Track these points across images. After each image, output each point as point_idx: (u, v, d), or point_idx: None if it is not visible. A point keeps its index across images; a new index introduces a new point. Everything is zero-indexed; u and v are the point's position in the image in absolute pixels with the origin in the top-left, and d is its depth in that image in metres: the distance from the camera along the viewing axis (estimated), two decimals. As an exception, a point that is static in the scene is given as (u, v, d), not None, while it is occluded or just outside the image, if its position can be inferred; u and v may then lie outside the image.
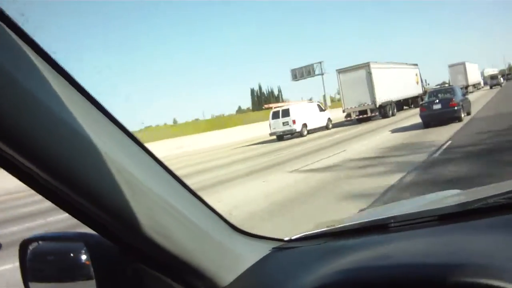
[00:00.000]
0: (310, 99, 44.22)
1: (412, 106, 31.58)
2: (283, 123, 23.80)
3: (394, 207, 1.78)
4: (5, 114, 0.62)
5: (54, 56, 0.70)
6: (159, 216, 0.83)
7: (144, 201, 0.80)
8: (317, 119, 25.88)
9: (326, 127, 26.38)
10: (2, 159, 0.70)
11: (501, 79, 54.73)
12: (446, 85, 38.45)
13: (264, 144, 22.89)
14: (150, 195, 0.81)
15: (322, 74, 44.57)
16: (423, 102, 18.16)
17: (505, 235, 0.88)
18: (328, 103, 41.57)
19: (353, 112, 27.61)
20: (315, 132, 24.98)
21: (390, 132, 17.48)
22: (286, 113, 23.92)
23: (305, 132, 24.31)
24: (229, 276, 0.96)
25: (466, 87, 44.26)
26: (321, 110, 27.00)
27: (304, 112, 24.81)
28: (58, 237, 1.21)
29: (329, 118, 26.99)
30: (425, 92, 27.04)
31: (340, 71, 28.63)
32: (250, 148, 21.85)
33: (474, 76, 53.97)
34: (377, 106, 26.79)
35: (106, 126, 0.77)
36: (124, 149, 0.80)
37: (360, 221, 1.18)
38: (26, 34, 0.65)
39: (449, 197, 1.53)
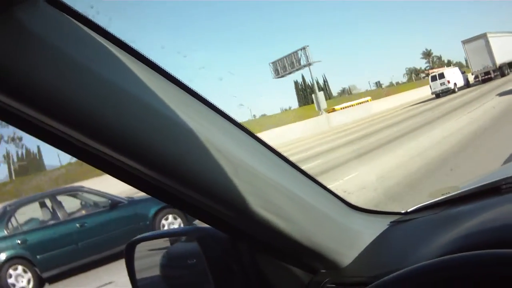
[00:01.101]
0: (454, 64, 48.55)
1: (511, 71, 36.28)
2: (441, 83, 32.75)
3: (507, 169, 1.78)
4: (104, 115, 0.62)
5: (134, 46, 0.67)
6: (274, 199, 0.82)
7: (257, 186, 0.80)
8: (461, 80, 34.43)
9: (467, 86, 34.56)
10: (110, 164, 0.73)
11: None
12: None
13: (427, 102, 30.29)
14: (262, 179, 0.81)
15: (309, 65, 36.23)
16: None
17: None
18: (324, 104, 36.90)
19: (479, 74, 35.09)
20: (461, 89, 32.81)
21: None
22: (441, 76, 33.04)
23: (456, 89, 32.39)
24: (350, 255, 0.95)
25: None
26: (462, 72, 35.33)
27: (452, 74, 33.60)
28: (166, 234, 1.26)
29: (467, 79, 35.29)
30: None
31: (464, 42, 36.09)
32: (421, 105, 29.55)
33: None
34: (497, 66, 34.09)
35: (206, 114, 0.76)
36: (231, 136, 0.79)
37: (472, 187, 1.17)
38: (100, 27, 0.64)
39: None
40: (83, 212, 8.10)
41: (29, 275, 7.15)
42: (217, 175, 0.75)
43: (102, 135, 0.64)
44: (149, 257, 1.16)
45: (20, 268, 7.12)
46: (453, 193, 1.16)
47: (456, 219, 0.98)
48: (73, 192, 8.50)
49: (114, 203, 7.95)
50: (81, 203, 8.46)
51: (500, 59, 34.21)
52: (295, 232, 0.85)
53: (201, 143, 0.72)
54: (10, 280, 6.97)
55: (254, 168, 0.80)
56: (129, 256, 1.09)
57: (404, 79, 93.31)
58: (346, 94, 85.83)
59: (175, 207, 1.60)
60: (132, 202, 8.16)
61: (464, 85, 34.54)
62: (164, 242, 1.18)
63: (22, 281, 7.07)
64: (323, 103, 37.00)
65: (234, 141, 0.79)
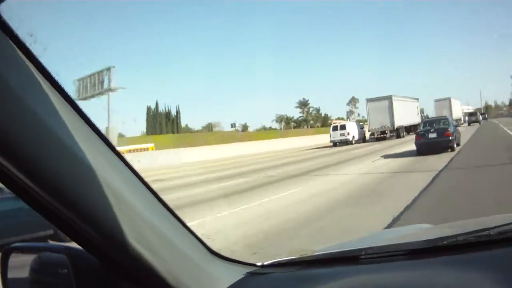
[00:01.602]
0: (355, 119, 51.14)
1: (413, 132, 39.98)
2: (340, 134, 34.24)
3: (367, 239, 1.80)
4: (7, 129, 0.66)
5: (56, 77, 0.74)
6: (142, 234, 0.86)
7: (129, 218, 0.83)
8: (357, 134, 35.71)
9: (363, 140, 36.01)
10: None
11: (480, 116, 57.62)
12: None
13: (327, 148, 32.21)
14: (135, 212, 0.85)
15: (110, 90, 28.44)
16: (419, 130, 18.51)
17: (471, 273, 0.92)
18: (114, 141, 24.87)
19: (376, 131, 36.45)
20: (357, 143, 34.51)
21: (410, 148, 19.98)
22: (343, 127, 35.37)
23: (353, 142, 35.01)
24: None
25: None
26: (361, 128, 36.80)
27: (352, 128, 35.23)
28: (40, 248, 1.23)
29: (364, 134, 36.83)
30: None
31: (368, 100, 37.66)
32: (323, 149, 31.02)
33: (457, 111, 56.63)
34: (395, 128, 35.62)
35: (96, 143, 0.81)
36: (112, 167, 0.83)
37: (331, 251, 1.21)
38: (32, 54, 0.70)
39: (419, 232, 1.62)
40: None
41: None
42: (100, 203, 0.78)
43: (14, 155, 0.68)
44: (23, 267, 1.12)
45: None
46: (310, 255, 1.18)
47: (310, 280, 1.01)
48: None
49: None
50: None
51: (398, 122, 36.28)
52: (156, 266, 0.88)
53: (91, 174, 0.76)
54: None
55: (131, 202, 0.83)
56: (3, 264, 1.12)
57: (273, 125, 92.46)
58: (207, 130, 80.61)
59: (53, 224, 0.78)
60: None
61: (360, 139, 36.09)
62: (38, 255, 1.14)
63: None
64: (113, 138, 26.61)
65: (118, 174, 0.83)
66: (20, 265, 1.13)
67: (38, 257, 1.14)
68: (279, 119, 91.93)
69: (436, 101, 54.09)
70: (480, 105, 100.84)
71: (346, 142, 33.99)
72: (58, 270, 1.03)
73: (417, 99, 45.21)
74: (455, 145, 17.00)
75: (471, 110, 72.56)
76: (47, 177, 0.72)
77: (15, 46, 0.66)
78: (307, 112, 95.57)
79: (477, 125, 47.46)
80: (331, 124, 41.84)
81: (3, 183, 0.77)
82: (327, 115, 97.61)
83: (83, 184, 0.76)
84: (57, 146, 0.71)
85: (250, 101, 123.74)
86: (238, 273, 1.11)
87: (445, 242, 1.06)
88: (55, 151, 0.71)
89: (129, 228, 0.83)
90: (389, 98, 36.62)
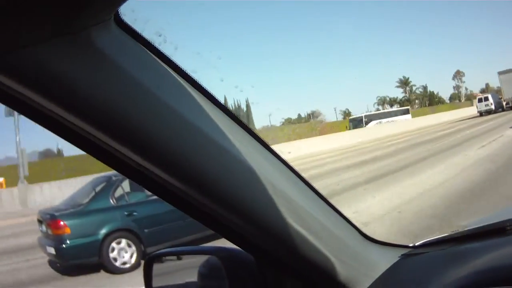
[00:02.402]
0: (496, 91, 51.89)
1: None
2: (485, 104, 41.03)
3: (509, 210, 1.82)
4: (149, 132, 0.65)
5: (193, 75, 0.71)
6: (299, 224, 0.85)
7: (285, 209, 0.83)
8: (499, 104, 41.64)
9: (502, 109, 41.40)
10: (146, 178, 0.75)
11: None
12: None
13: (475, 118, 37.32)
14: (290, 203, 0.85)
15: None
16: None
17: None
18: None
19: (510, 101, 41.85)
20: (496, 112, 40.19)
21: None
22: (487, 99, 41.44)
23: (498, 110, 40.64)
24: (364, 283, 0.99)
25: None
26: (499, 98, 42.60)
27: (493, 98, 41.32)
28: (186, 251, 1.25)
29: (502, 104, 42.34)
30: None
31: (500, 73, 43.25)
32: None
33: None
34: None
35: (242, 135, 0.81)
36: (264, 159, 0.83)
37: (479, 226, 1.22)
38: (163, 54, 0.68)
39: None
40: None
41: (133, 249, 6.65)
42: (255, 198, 0.79)
43: (156, 155, 0.68)
44: (168, 273, 1.17)
45: (124, 241, 6.62)
46: (460, 231, 1.22)
47: (464, 256, 1.02)
48: None
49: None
50: None
51: None
52: (313, 256, 0.89)
53: (245, 167, 0.76)
54: (112, 254, 6.51)
55: (287, 193, 0.84)
56: (147, 270, 1.10)
57: (373, 109, 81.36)
58: (304, 121, 74.73)
59: (205, 224, 0.85)
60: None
61: (499, 108, 41.56)
62: (184, 259, 1.20)
63: (124, 256, 6.58)
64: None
65: (270, 166, 0.84)
66: (165, 272, 1.16)
67: (186, 261, 1.18)
68: (381, 101, 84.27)
69: (500, 73, 45.03)
70: None
71: (489, 112, 39.66)
72: (210, 272, 1.06)
73: None
74: None
75: None
76: (196, 175, 0.71)
77: (143, 48, 0.66)
78: (410, 91, 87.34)
79: None
80: (476, 96, 50.61)
81: (151, 190, 0.79)
82: (433, 92, 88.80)
83: (234, 178, 0.76)
84: (202, 142, 0.70)
85: (346, 87, 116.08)
86: (393, 256, 1.12)
87: None
88: (201, 147, 0.70)
89: (285, 220, 0.83)
90: None
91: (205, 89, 0.74)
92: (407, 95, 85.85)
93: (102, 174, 8.03)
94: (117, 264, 6.52)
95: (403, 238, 5.19)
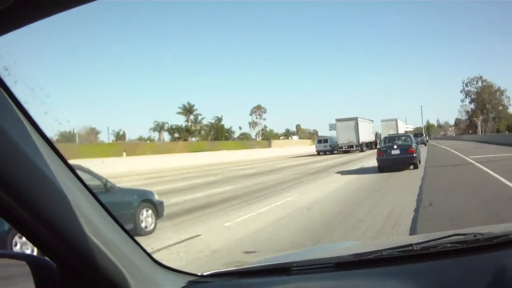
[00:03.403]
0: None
1: (366, 148, 48.58)
2: (324, 146, 46.85)
3: (298, 253, 1.97)
4: None
5: (25, 105, 0.86)
6: (94, 238, 0.95)
7: (83, 225, 0.93)
8: (335, 147, 47.61)
9: (332, 152, 47.19)
10: None
11: (426, 137, 56.35)
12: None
13: (312, 157, 40.84)
14: (87, 221, 0.95)
15: None
16: (381, 146, 17.98)
17: (394, 283, 1.03)
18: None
19: (344, 145, 46.68)
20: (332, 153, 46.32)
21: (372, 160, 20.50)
22: (326, 140, 48.11)
23: (335, 151, 46.94)
24: None
25: None
26: (335, 142, 47.15)
27: (331, 141, 48.22)
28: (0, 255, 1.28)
29: (335, 147, 47.70)
30: (376, 140, 47.46)
31: (338, 120, 48.15)
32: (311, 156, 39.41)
33: (401, 132, 55.55)
34: (359, 144, 45.65)
35: (49, 153, 0.91)
36: (66, 178, 0.93)
37: (265, 264, 1.32)
38: (6, 86, 0.81)
39: (347, 248, 1.75)
40: None
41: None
42: (60, 213, 0.90)
43: None
44: None
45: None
46: (246, 266, 1.34)
47: None
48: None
49: (108, 187, 7.73)
50: None
51: (362, 138, 47.21)
52: (110, 270, 1.00)
53: (55, 187, 0.88)
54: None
55: (87, 214, 0.95)
56: None
57: (152, 134, 74.90)
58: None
59: (16, 229, 0.98)
60: (121, 189, 8.21)
61: (335, 150, 46.87)
62: None
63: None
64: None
65: (77, 190, 0.96)
66: None
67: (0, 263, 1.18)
68: (158, 126, 74.74)
69: (382, 121, 57.36)
70: (421, 123, 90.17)
71: (325, 152, 45.78)
72: (18, 276, 1.07)
73: (372, 120, 56.65)
74: (418, 162, 16.73)
75: (410, 129, 73.73)
76: (13, 186, 0.82)
77: None
78: (195, 120, 78.19)
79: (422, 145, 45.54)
80: (316, 138, 56.17)
81: None
82: (222, 125, 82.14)
83: (42, 194, 0.87)
84: (25, 161, 0.82)
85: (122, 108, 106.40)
86: (180, 281, 1.20)
87: (370, 256, 1.17)
88: (22, 165, 0.82)
89: (84, 234, 0.93)
90: (355, 119, 47.50)
91: (31, 117, 0.88)
92: (190, 124, 77.28)
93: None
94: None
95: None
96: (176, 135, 74.50)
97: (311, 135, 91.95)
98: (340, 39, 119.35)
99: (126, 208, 7.67)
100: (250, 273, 1.25)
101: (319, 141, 48.65)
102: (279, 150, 56.03)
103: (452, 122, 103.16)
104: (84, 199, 0.96)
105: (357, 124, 46.84)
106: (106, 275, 0.98)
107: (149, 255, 1.15)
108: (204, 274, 1.26)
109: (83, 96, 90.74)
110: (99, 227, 0.97)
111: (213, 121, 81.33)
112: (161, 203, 8.30)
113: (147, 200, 8.05)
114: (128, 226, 7.28)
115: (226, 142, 70.32)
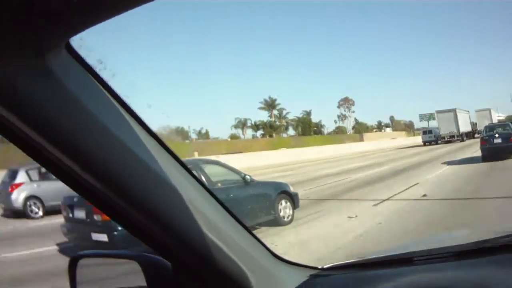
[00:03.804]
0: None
1: (466, 138, 49.15)
2: (429, 136, 48.52)
3: (414, 243, 1.92)
4: (92, 152, 0.74)
5: (126, 99, 0.80)
6: (213, 236, 0.93)
7: (201, 223, 0.91)
8: (438, 137, 48.63)
9: (436, 142, 47.37)
10: (80, 186, 0.81)
11: None
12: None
13: (420, 147, 41.86)
14: (206, 219, 0.93)
15: None
16: (483, 135, 18.21)
17: None
18: None
19: (446, 136, 47.07)
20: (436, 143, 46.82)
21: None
22: (430, 131, 49.45)
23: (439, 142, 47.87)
24: None
25: None
26: (438, 133, 49.01)
27: (434, 132, 49.12)
28: (110, 255, 1.26)
29: (438, 137, 48.64)
30: (473, 130, 50.05)
31: (438, 112, 48.99)
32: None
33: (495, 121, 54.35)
34: (460, 133, 46.58)
35: (161, 151, 0.88)
36: (186, 181, 0.92)
37: (387, 254, 1.27)
38: (103, 80, 0.77)
39: (465, 236, 1.70)
40: (219, 184, 7.94)
41: None
42: (177, 212, 0.88)
43: (94, 168, 0.76)
44: (91, 273, 1.19)
45: None
46: (366, 258, 1.29)
47: (370, 281, 1.09)
48: (212, 164, 8.62)
49: (247, 180, 8.06)
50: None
51: (462, 128, 48.48)
52: (232, 267, 0.98)
53: (168, 185, 0.85)
54: None
55: (204, 211, 0.93)
56: (71, 269, 1.14)
57: (235, 132, 70.58)
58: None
59: (126, 229, 0.94)
60: (259, 182, 8.62)
61: (438, 141, 48.04)
62: (108, 262, 1.22)
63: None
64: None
65: (192, 187, 0.93)
66: (89, 272, 1.17)
67: (109, 264, 1.20)
68: (240, 124, 70.53)
69: (477, 111, 57.56)
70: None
71: (431, 142, 46.68)
72: (130, 277, 1.07)
73: (468, 111, 55.91)
74: None
75: (502, 118, 67.85)
76: (126, 189, 0.80)
77: (87, 73, 0.74)
78: (279, 115, 73.76)
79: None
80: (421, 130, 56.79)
81: (87, 198, 0.85)
82: (309, 119, 76.33)
83: (159, 194, 0.85)
84: (131, 160, 0.79)
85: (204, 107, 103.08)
86: (302, 275, 1.18)
87: (491, 244, 1.15)
88: (129, 164, 0.79)
89: (203, 232, 0.91)
90: (453, 110, 48.54)
91: (135, 112, 0.83)
92: (274, 120, 72.93)
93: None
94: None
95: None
96: (261, 131, 71.16)
97: (406, 126, 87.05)
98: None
99: (266, 200, 8.14)
100: (371, 265, 1.24)
101: (424, 132, 50.51)
102: (374, 143, 54.72)
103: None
104: (199, 195, 0.95)
105: (456, 115, 47.79)
106: (225, 272, 0.97)
107: (269, 250, 1.14)
108: (325, 267, 1.26)
109: (168, 94, 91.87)
110: (217, 223, 0.96)
111: (301, 115, 76.08)
112: (296, 194, 8.93)
113: (284, 191, 8.60)
114: (269, 217, 8.11)
115: (314, 137, 66.91)
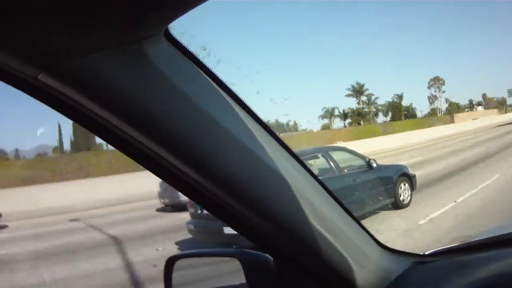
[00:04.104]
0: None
1: None
2: None
3: None
4: (190, 140, 0.71)
5: (232, 87, 0.77)
6: (319, 226, 0.91)
7: (306, 213, 0.88)
8: None
9: None
10: (180, 181, 0.80)
11: None
12: None
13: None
14: (311, 208, 0.90)
15: None
16: None
17: None
18: None
19: None
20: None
21: None
22: None
23: None
24: (377, 287, 1.03)
25: None
26: None
27: None
28: (207, 254, 1.25)
29: None
30: None
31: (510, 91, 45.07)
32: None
33: None
34: None
35: (271, 143, 0.85)
36: (290, 166, 0.88)
37: (488, 236, 1.26)
38: (206, 67, 0.74)
39: None
40: (345, 170, 8.09)
41: None
42: (282, 203, 0.85)
43: (195, 161, 0.74)
44: (188, 274, 1.18)
45: None
46: (468, 241, 1.28)
47: (471, 265, 1.06)
48: (339, 150, 8.79)
49: (371, 164, 8.18)
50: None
51: None
52: (338, 259, 0.95)
53: (274, 174, 0.82)
54: None
55: (310, 199, 0.89)
56: (167, 271, 1.12)
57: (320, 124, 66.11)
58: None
59: (226, 222, 0.92)
60: (381, 165, 8.66)
61: None
62: (205, 261, 1.21)
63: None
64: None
65: (298, 175, 0.90)
66: (186, 273, 1.16)
67: (209, 263, 1.19)
68: (328, 113, 65.54)
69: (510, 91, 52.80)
70: None
71: None
72: (229, 275, 1.08)
73: None
74: None
75: None
76: (231, 181, 0.78)
77: (189, 61, 0.72)
78: (368, 101, 67.82)
79: None
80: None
81: (184, 193, 0.85)
82: (399, 103, 70.27)
83: (264, 184, 0.82)
84: (238, 150, 0.77)
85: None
86: (405, 263, 1.17)
87: None
88: (237, 155, 0.77)
89: (309, 223, 0.88)
90: None
91: (242, 100, 0.80)
92: (362, 106, 67.89)
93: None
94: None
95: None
96: (349, 120, 66.17)
97: (499, 103, 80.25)
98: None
99: (387, 183, 8.26)
100: (474, 248, 1.21)
101: None
102: (466, 124, 48.44)
103: None
104: (308, 185, 0.92)
105: None
106: (330, 263, 0.95)
107: (373, 238, 1.13)
108: (427, 253, 1.25)
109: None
110: (324, 214, 0.93)
111: (392, 100, 69.99)
112: (414, 176, 8.93)
113: (404, 174, 8.68)
114: (389, 200, 8.18)
115: (404, 122, 61.74)
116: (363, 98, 68.20)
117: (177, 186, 0.83)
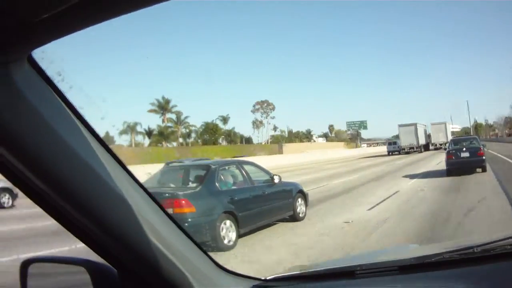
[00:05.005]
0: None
1: (423, 149, 53.55)
2: (393, 147, 54.69)
3: (359, 256, 2.00)
4: (39, 151, 0.76)
5: (81, 111, 0.84)
6: (157, 242, 0.96)
7: (145, 230, 0.93)
8: (399, 148, 54.15)
9: (399, 153, 52.91)
10: (24, 185, 0.83)
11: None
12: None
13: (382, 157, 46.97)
14: (150, 226, 0.95)
15: None
16: (450, 149, 17.67)
17: (458, 285, 1.02)
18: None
19: (406, 147, 51.93)
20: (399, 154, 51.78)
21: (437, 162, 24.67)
22: (395, 143, 55.80)
23: (400, 152, 52.82)
24: None
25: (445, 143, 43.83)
26: (400, 145, 54.27)
27: (397, 144, 54.69)
28: (59, 260, 1.26)
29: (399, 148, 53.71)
30: (427, 143, 54.88)
31: (400, 125, 53.50)
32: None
33: (448, 134, 56.69)
34: (419, 145, 52.05)
35: (109, 159, 0.91)
36: (132, 189, 0.94)
37: (329, 267, 1.30)
38: (60, 91, 0.80)
39: (408, 251, 1.78)
40: (254, 182, 8.45)
41: (233, 229, 7.21)
42: (122, 219, 0.91)
43: (49, 175, 0.79)
44: (42, 278, 1.19)
45: (228, 222, 7.15)
46: (310, 270, 1.33)
47: None
48: (249, 164, 9.14)
49: (274, 179, 8.64)
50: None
51: (420, 141, 53.57)
52: (175, 275, 1.01)
53: (114, 193, 0.88)
54: (222, 233, 6.99)
55: (148, 218, 0.96)
56: (23, 273, 1.15)
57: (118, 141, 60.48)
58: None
59: (74, 235, 0.95)
60: (283, 181, 9.10)
61: (400, 151, 53.13)
62: (57, 267, 1.22)
63: (229, 235, 7.20)
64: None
65: (137, 195, 0.95)
66: (39, 276, 1.17)
67: (57, 268, 1.21)
68: (129, 129, 60.92)
69: (433, 124, 58.68)
70: (468, 123, 78.33)
71: (393, 152, 53.42)
72: (77, 282, 1.08)
73: (425, 124, 61.26)
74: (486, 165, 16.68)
75: (457, 129, 70.61)
76: (75, 195, 0.83)
77: (47, 85, 0.78)
78: (177, 119, 63.63)
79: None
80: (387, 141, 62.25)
81: (37, 203, 0.87)
82: (216, 125, 67.99)
83: (104, 200, 0.87)
84: (80, 165, 0.82)
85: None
86: (244, 286, 1.21)
87: (432, 259, 1.17)
88: (78, 169, 0.82)
89: (147, 238, 0.93)
90: (414, 124, 53.63)
91: (87, 122, 0.87)
92: (168, 124, 62.52)
93: (184, 162, 11.16)
94: (225, 242, 7.10)
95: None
96: (148, 139, 60.67)
97: (353, 136, 77.37)
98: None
99: (288, 197, 9.02)
100: (314, 277, 1.25)
101: (389, 144, 57.33)
102: (297, 156, 51.03)
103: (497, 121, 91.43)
104: (144, 204, 0.97)
105: (416, 129, 52.81)
106: (169, 279, 0.99)
107: (211, 259, 1.15)
108: (268, 278, 1.26)
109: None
110: (160, 230, 0.97)
111: (212, 121, 65.97)
112: (307, 194, 9.86)
113: (300, 191, 9.55)
114: (288, 213, 8.95)
115: (215, 147, 58.47)
116: (170, 115, 62.16)
117: (31, 198, 0.87)
